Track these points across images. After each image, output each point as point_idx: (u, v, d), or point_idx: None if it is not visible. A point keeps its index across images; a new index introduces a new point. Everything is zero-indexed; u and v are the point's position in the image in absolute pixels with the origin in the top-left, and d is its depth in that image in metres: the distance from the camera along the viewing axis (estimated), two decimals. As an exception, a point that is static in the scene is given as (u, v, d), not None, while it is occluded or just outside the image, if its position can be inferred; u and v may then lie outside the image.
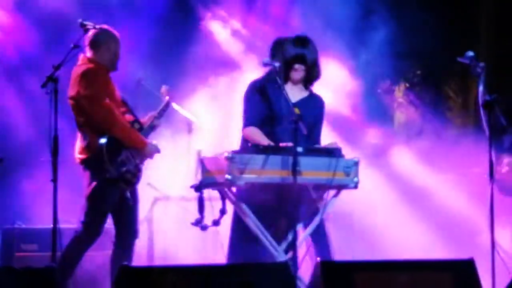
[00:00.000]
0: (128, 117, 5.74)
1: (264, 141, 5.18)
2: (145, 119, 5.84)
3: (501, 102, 5.22)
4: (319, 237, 5.30)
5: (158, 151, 5.80)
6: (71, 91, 5.56)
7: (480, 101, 5.29)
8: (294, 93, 5.39)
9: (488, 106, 5.17)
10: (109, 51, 5.69)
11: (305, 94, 5.47)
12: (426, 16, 8.42)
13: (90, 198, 5.52)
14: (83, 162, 5.57)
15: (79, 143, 5.61)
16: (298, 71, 5.38)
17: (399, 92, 10.31)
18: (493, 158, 5.14)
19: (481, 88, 5.32)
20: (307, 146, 5.19)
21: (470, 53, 5.43)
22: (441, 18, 8.69)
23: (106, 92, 5.58)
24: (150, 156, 5.77)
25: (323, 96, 5.62)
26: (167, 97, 5.93)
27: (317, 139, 5.47)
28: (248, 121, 5.36)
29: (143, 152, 5.66)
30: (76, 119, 5.60)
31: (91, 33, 5.60)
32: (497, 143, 5.52)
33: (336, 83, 7.97)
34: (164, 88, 5.99)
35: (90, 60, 5.64)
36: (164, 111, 5.92)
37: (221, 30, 8.51)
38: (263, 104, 5.36)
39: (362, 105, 8.59)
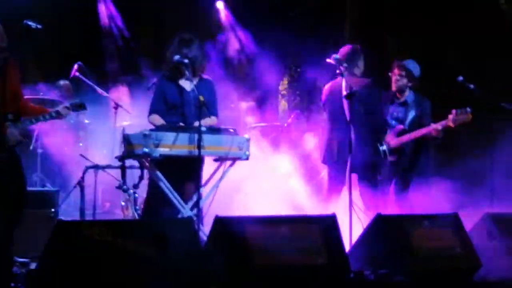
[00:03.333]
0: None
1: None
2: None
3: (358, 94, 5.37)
4: None
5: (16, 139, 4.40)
6: None
7: (344, 93, 5.40)
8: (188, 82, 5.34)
9: (349, 97, 5.30)
10: None
11: (195, 81, 5.39)
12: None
13: None
14: None
15: None
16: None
17: (283, 85, 10.39)
18: (352, 136, 5.25)
19: (343, 83, 5.45)
20: (210, 126, 5.21)
21: (336, 56, 5.55)
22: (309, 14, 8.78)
23: None
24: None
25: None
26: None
27: (214, 112, 5.43)
28: (151, 110, 5.34)
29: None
30: None
31: None
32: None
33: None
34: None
35: None
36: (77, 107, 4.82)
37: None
38: (163, 95, 5.31)
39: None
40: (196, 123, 5.01)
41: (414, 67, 6.28)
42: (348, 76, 5.56)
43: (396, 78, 6.24)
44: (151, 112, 5.34)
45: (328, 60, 5.60)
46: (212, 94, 5.42)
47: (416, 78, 6.26)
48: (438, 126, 5.96)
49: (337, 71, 5.55)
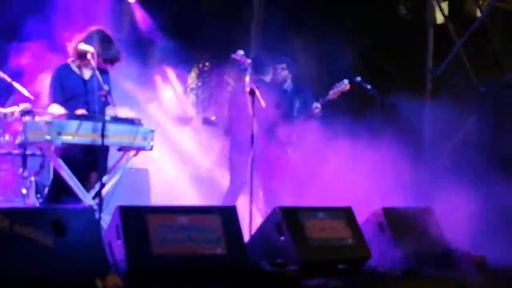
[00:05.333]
0: None
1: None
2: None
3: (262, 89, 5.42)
4: None
5: None
6: None
7: (246, 89, 5.43)
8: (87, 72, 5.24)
9: (251, 93, 5.33)
10: None
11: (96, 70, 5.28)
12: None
13: None
14: None
15: None
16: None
17: (191, 78, 10.31)
18: (254, 131, 5.30)
19: (247, 79, 5.48)
20: (115, 115, 5.11)
21: (240, 52, 5.57)
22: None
23: None
24: None
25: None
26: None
27: (113, 102, 5.33)
28: (51, 100, 5.18)
29: None
30: None
31: None
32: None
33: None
34: None
35: None
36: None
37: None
38: (63, 84, 5.17)
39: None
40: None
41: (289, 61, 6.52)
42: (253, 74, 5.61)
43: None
44: (51, 102, 5.17)
45: (233, 55, 5.62)
46: (110, 84, 5.32)
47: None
48: (318, 104, 6.22)
49: (242, 67, 5.58)
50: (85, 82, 5.22)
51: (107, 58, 5.20)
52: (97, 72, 5.00)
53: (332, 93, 6.37)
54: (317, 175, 6.26)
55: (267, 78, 6.12)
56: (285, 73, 6.62)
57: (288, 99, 6.60)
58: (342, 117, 6.81)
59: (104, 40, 5.17)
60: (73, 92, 5.17)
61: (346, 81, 6.35)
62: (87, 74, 5.23)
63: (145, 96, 7.91)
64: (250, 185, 5.20)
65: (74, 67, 5.23)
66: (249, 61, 5.54)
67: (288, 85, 6.66)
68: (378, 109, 6.44)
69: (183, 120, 8.52)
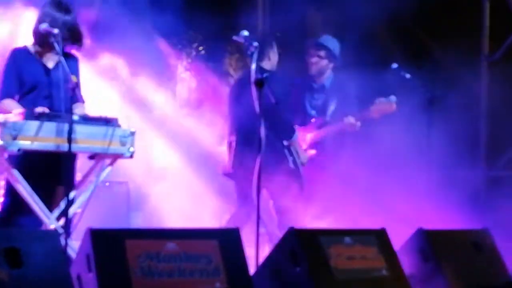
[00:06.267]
0: None
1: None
2: None
3: (271, 80, 5.38)
4: None
5: None
6: None
7: (252, 79, 5.40)
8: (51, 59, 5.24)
9: (258, 83, 5.30)
10: None
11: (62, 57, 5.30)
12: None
13: None
14: None
15: None
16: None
17: (181, 68, 10.32)
18: (262, 133, 5.28)
19: (253, 66, 5.44)
20: (84, 114, 5.12)
21: (245, 33, 5.55)
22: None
23: None
24: None
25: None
26: None
27: (82, 97, 5.35)
28: (4, 94, 5.17)
29: None
30: None
31: None
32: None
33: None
34: None
35: None
36: None
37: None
38: (20, 74, 5.18)
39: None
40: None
41: (334, 45, 6.48)
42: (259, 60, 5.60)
43: (314, 60, 6.42)
44: (4, 95, 5.17)
45: (234, 37, 5.61)
46: (78, 76, 5.33)
47: (337, 58, 6.47)
48: (352, 120, 6.21)
49: (248, 52, 5.57)
50: (48, 71, 5.21)
51: (73, 39, 5.20)
52: (63, 59, 5.00)
53: (374, 111, 6.31)
54: (342, 189, 6.26)
55: (266, 64, 6.04)
56: (323, 63, 6.57)
57: (323, 97, 6.57)
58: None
59: (61, 10, 5.15)
60: (32, 84, 5.17)
61: (393, 99, 6.33)
62: (50, 61, 5.23)
63: (122, 90, 7.92)
64: (257, 202, 5.18)
65: (34, 52, 5.24)
66: (255, 44, 5.52)
67: (327, 79, 6.61)
68: (421, 104, 6.43)
69: (173, 120, 8.52)
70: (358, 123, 6.37)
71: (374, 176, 6.70)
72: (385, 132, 6.68)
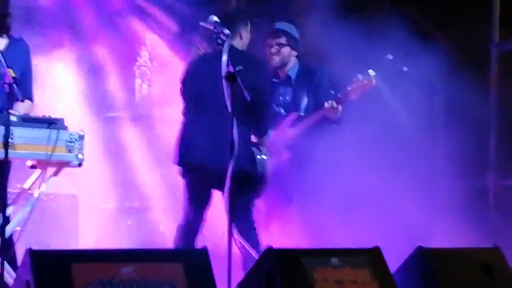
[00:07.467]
0: None
1: None
2: None
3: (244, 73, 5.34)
4: None
5: None
6: None
7: (223, 72, 5.34)
8: None
9: (230, 78, 5.23)
10: None
11: (3, 42, 5.29)
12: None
13: None
14: None
15: None
16: None
17: (142, 56, 10.29)
18: (235, 136, 5.26)
19: (224, 58, 5.36)
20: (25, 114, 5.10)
21: (214, 18, 5.52)
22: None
23: None
24: None
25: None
26: None
27: (28, 93, 5.32)
28: None
29: None
30: None
31: None
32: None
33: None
34: None
35: None
36: None
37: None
38: None
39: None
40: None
41: (292, 29, 6.56)
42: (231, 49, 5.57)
43: (275, 50, 6.48)
44: None
45: (202, 23, 5.59)
46: (27, 64, 5.30)
47: (299, 43, 6.55)
48: (334, 104, 6.28)
49: (218, 41, 5.55)
50: None
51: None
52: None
53: (351, 89, 6.40)
54: (325, 199, 6.27)
55: (237, 43, 6.04)
56: (285, 51, 6.63)
57: (291, 91, 6.61)
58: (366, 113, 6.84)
59: None
60: None
61: (371, 73, 6.44)
62: None
63: (69, 83, 7.91)
64: (228, 214, 5.16)
65: None
66: (227, 32, 5.50)
67: (291, 69, 6.66)
68: (422, 98, 6.49)
69: (132, 119, 8.51)
70: (340, 107, 6.40)
71: (361, 181, 6.71)
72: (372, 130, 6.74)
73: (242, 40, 5.97)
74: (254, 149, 5.90)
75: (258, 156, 5.92)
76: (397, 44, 7.15)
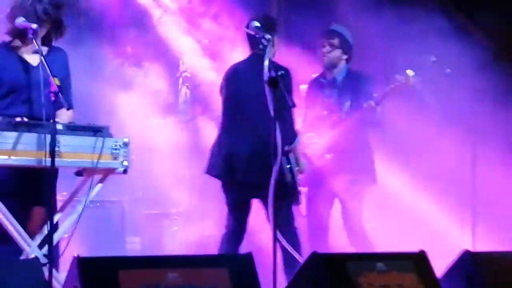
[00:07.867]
0: None
1: None
2: None
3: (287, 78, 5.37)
4: None
5: None
6: None
7: (265, 77, 5.37)
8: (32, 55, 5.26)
9: (272, 83, 5.26)
10: None
11: (44, 51, 5.28)
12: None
13: None
14: None
15: None
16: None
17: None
18: (278, 140, 5.27)
19: (266, 63, 5.40)
20: (70, 122, 5.13)
21: (256, 23, 5.55)
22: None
23: None
24: None
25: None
26: None
27: (69, 101, 5.34)
28: None
29: None
30: None
31: None
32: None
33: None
34: None
35: None
36: None
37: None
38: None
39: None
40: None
41: (348, 33, 6.54)
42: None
43: (327, 50, 6.49)
44: None
45: (246, 29, 5.61)
46: (67, 75, 5.34)
47: (351, 49, 6.54)
48: (372, 103, 6.35)
49: (260, 46, 5.58)
50: (29, 69, 5.22)
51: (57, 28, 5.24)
52: (43, 59, 5.00)
53: (389, 90, 6.40)
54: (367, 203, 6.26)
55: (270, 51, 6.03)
56: (336, 52, 6.64)
57: (336, 93, 6.61)
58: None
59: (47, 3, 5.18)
60: (11, 85, 5.19)
61: (410, 73, 6.44)
62: (33, 58, 5.24)
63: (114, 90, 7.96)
64: (272, 221, 5.17)
65: (13, 48, 5.27)
66: (268, 37, 5.52)
67: (339, 72, 6.66)
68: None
69: (177, 124, 8.55)
70: (378, 108, 6.41)
71: (406, 185, 6.69)
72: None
73: (274, 47, 5.98)
74: (282, 158, 5.90)
75: (287, 166, 5.94)
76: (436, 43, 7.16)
